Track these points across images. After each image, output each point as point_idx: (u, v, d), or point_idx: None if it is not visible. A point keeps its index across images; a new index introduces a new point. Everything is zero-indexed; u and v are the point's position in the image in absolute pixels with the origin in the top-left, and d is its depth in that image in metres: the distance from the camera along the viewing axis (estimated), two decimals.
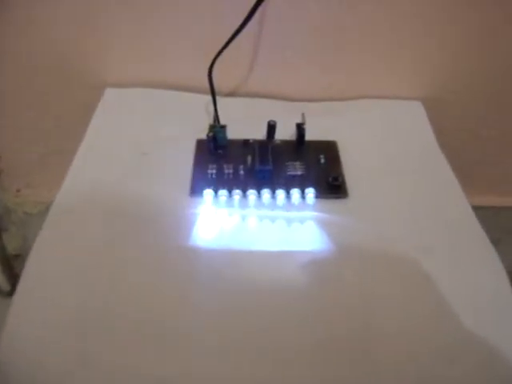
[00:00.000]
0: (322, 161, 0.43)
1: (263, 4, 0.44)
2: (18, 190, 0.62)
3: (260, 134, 0.44)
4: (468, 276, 0.35)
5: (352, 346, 0.31)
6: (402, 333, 0.32)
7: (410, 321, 0.32)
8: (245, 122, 0.46)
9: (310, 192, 0.40)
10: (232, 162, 0.43)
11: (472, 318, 0.32)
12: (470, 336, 0.31)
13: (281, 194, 0.40)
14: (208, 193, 0.39)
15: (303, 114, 0.43)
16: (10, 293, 0.62)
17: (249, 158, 0.42)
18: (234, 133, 0.45)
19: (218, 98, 0.46)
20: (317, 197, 0.40)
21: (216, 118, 0.45)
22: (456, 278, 0.35)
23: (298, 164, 0.43)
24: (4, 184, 0.62)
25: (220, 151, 0.43)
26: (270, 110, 0.46)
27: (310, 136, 0.44)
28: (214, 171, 0.42)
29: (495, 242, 0.38)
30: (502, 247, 0.40)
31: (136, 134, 0.46)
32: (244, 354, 0.30)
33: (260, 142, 0.43)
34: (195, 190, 0.40)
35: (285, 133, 0.44)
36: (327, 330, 0.32)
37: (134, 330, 0.31)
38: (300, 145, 0.44)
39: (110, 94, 0.51)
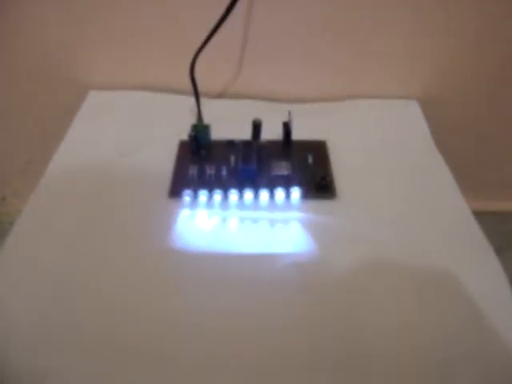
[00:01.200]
0: (310, 161, 0.41)
1: (250, 3, 0.43)
2: (4, 199, 0.61)
3: (246, 134, 0.42)
4: (466, 283, 0.32)
5: (338, 351, 0.29)
6: (394, 342, 0.29)
7: (399, 330, 0.30)
8: (231, 123, 0.44)
9: (295, 191, 0.37)
10: (215, 162, 0.40)
11: (472, 326, 0.30)
12: (470, 344, 0.29)
13: (264, 194, 0.38)
14: (187, 193, 0.37)
15: (290, 113, 0.41)
16: None
17: (232, 158, 0.40)
18: (219, 133, 0.43)
19: (204, 99, 0.44)
20: (303, 197, 0.38)
21: (199, 117, 0.43)
22: (453, 284, 0.32)
23: (284, 164, 0.41)
24: None
25: (203, 151, 0.42)
26: (257, 111, 0.44)
27: (299, 136, 0.42)
28: (195, 171, 0.40)
29: (498, 249, 0.35)
30: (505, 254, 0.37)
31: (118, 136, 0.44)
32: (228, 358, 0.28)
33: (245, 142, 0.41)
34: (174, 191, 0.38)
35: (272, 133, 0.42)
36: (313, 333, 0.30)
37: (105, 339, 0.29)
38: (287, 144, 0.42)
39: (93, 96, 0.49)
